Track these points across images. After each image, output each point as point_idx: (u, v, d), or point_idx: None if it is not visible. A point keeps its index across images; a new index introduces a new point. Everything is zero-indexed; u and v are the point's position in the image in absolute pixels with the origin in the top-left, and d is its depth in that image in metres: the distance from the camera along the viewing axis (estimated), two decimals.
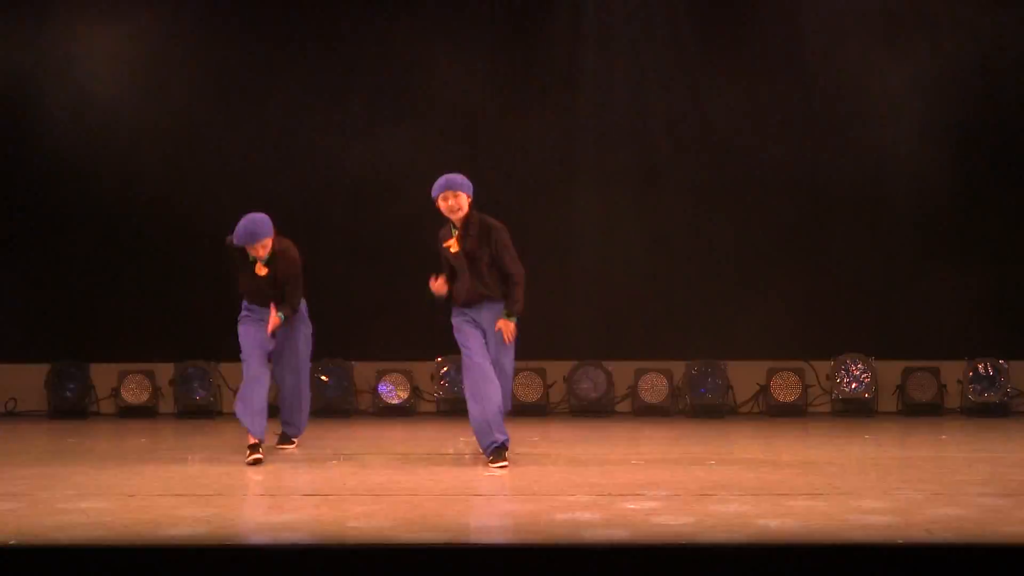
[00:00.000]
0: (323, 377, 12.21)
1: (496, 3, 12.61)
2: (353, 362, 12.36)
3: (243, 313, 9.92)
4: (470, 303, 9.28)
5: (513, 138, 12.59)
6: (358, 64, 12.63)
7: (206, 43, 12.66)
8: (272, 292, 9.81)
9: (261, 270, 9.82)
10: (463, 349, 9.26)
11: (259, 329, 9.79)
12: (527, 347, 12.33)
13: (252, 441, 9.47)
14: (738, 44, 12.59)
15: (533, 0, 12.69)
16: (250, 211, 9.78)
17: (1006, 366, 12.14)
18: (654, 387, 12.23)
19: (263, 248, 9.71)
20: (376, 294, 12.33)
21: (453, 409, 12.19)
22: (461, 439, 10.66)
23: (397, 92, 12.61)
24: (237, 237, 9.68)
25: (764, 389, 12.29)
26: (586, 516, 7.47)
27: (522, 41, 12.66)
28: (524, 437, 11.05)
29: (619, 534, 7.00)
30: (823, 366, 12.34)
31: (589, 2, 12.57)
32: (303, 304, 9.98)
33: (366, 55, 12.63)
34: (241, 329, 9.87)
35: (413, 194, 12.53)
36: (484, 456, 9.19)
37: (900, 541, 6.75)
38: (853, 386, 12.23)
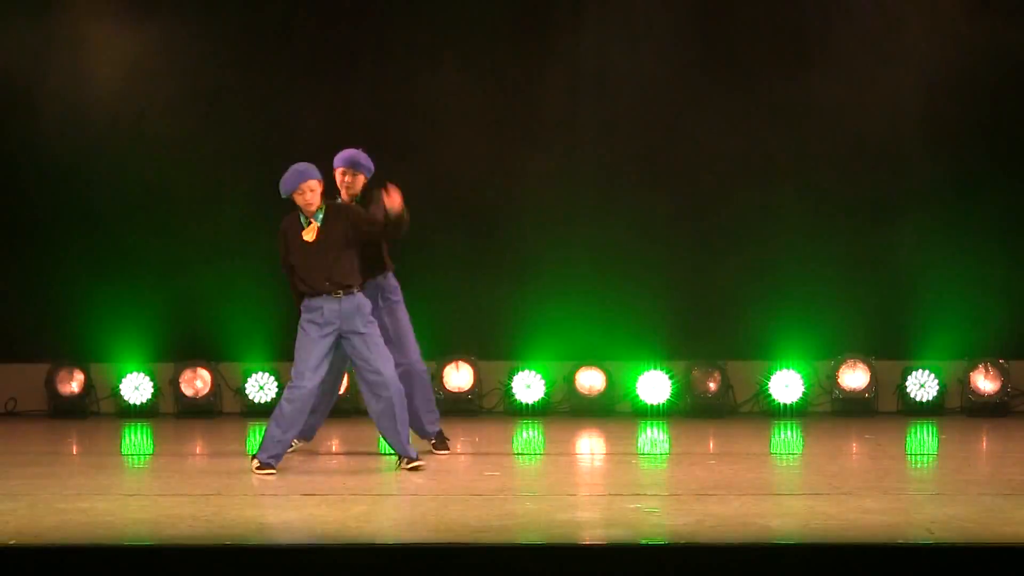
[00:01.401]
0: None
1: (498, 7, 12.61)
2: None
3: (304, 317, 8.89)
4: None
5: (515, 139, 12.57)
6: (359, 70, 12.61)
7: (207, 44, 12.63)
8: (330, 262, 8.84)
9: (310, 233, 8.92)
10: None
11: (321, 344, 8.84)
12: (528, 347, 12.39)
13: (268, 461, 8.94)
14: (738, 44, 12.58)
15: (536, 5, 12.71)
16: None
17: (1007, 365, 12.13)
18: (654, 386, 12.22)
19: (311, 193, 8.87)
20: None
21: (452, 409, 12.19)
22: (461, 439, 10.67)
23: (397, 99, 12.58)
24: (284, 184, 8.93)
25: (764, 388, 12.28)
26: (586, 516, 7.48)
27: (524, 38, 12.65)
28: (524, 437, 11.06)
29: (619, 534, 7.01)
30: (824, 365, 12.32)
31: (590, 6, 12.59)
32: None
33: (365, 63, 12.61)
34: (301, 340, 8.87)
35: (412, 193, 12.57)
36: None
37: (901, 541, 6.75)
38: (853, 385, 12.22)
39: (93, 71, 12.57)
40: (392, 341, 9.40)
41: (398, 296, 9.60)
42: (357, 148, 9.59)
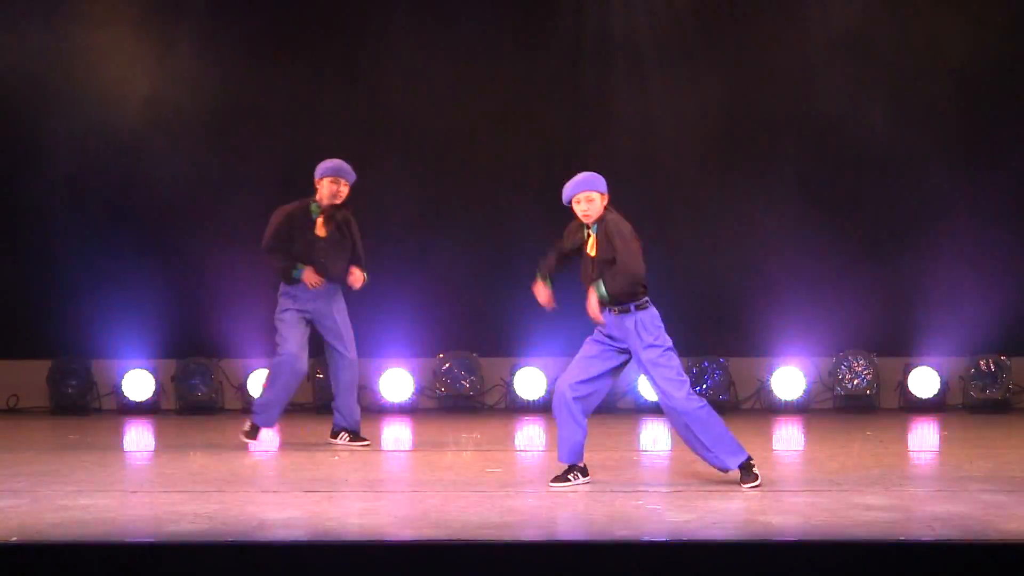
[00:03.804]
0: (319, 375, 12.17)
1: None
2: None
3: (283, 303, 9.79)
4: None
5: (517, 139, 12.58)
6: (361, 77, 12.61)
7: (216, 48, 12.62)
8: (333, 256, 9.77)
9: (321, 229, 9.70)
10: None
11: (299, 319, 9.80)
12: (528, 345, 12.38)
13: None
14: (741, 39, 12.58)
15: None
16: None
17: (1008, 362, 12.13)
18: None
19: (345, 187, 9.70)
20: (377, 292, 12.32)
21: (455, 406, 12.20)
22: (463, 435, 10.67)
23: (398, 94, 12.59)
24: (324, 168, 9.69)
25: (766, 385, 12.28)
26: (588, 513, 7.47)
27: (525, 42, 12.66)
28: (526, 434, 11.07)
29: (621, 531, 7.01)
30: (825, 362, 12.33)
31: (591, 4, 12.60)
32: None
33: (367, 70, 12.61)
34: (284, 316, 9.78)
35: (412, 193, 12.58)
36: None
37: (902, 538, 6.75)
38: (855, 382, 12.23)
39: (98, 74, 12.57)
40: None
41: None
42: (337, 159, 9.85)
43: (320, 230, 9.78)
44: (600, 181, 8.32)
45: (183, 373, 12.34)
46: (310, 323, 9.88)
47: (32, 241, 12.65)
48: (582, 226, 8.37)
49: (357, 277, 9.82)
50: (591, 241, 8.29)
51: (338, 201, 9.78)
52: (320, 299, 9.83)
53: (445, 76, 12.59)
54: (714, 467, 8.18)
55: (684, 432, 8.16)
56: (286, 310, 9.79)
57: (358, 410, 10.01)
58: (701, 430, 8.09)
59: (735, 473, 8.12)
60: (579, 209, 8.28)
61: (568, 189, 8.33)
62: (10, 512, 7.36)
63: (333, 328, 9.87)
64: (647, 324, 8.15)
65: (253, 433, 9.93)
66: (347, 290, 9.97)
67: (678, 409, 8.08)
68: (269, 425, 10.00)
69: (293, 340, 9.75)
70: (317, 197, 9.81)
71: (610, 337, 8.24)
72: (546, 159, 12.57)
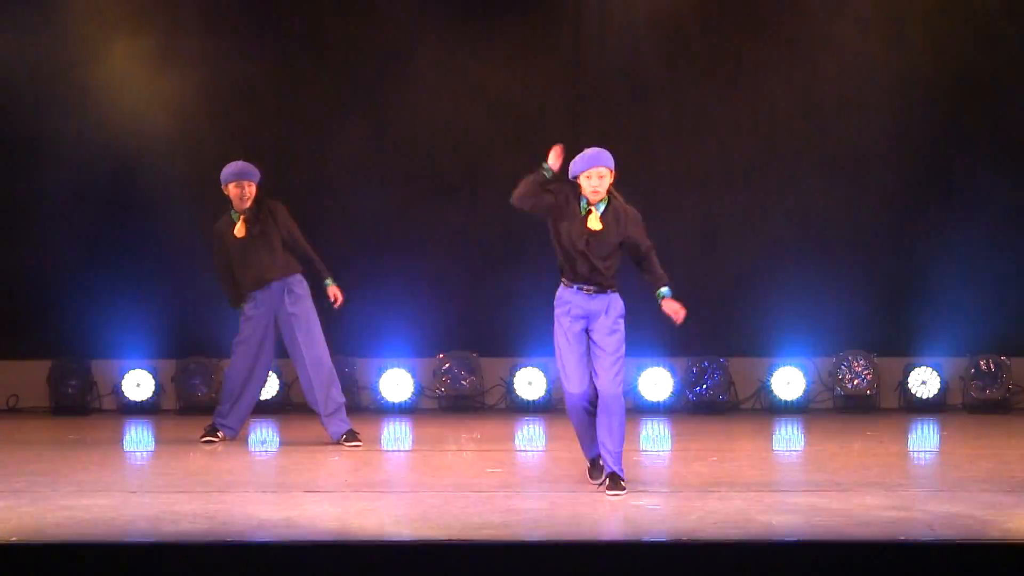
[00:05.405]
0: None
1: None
2: (355, 358, 12.34)
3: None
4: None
5: (518, 139, 12.57)
6: (363, 71, 12.61)
7: (207, 37, 12.62)
8: (264, 254, 9.84)
9: (240, 230, 9.82)
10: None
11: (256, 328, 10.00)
12: (528, 345, 12.38)
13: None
14: (739, 43, 12.57)
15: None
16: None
17: (1008, 362, 12.12)
18: (656, 383, 12.22)
19: (249, 188, 9.79)
20: (378, 292, 12.33)
21: (455, 406, 12.19)
22: (463, 436, 10.67)
23: (400, 97, 12.59)
24: (225, 175, 9.80)
25: (766, 385, 12.28)
26: (588, 513, 7.48)
27: (530, 36, 12.66)
28: (526, 434, 11.07)
29: (621, 531, 7.01)
30: (825, 362, 12.33)
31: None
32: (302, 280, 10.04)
33: (371, 65, 12.62)
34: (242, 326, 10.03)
35: (413, 193, 12.58)
36: None
37: (902, 538, 6.75)
38: (855, 382, 12.22)
39: (98, 73, 12.56)
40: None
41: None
42: (238, 160, 9.99)
43: (239, 231, 9.86)
44: (612, 157, 8.09)
45: (183, 373, 12.33)
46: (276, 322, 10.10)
47: (32, 241, 12.63)
48: (578, 197, 8.13)
49: (333, 294, 10.00)
50: (592, 217, 8.10)
51: (247, 204, 9.90)
52: (267, 303, 9.97)
53: (446, 79, 12.58)
54: (606, 453, 8.03)
55: (599, 415, 8.02)
56: (245, 319, 10.12)
57: (331, 404, 9.98)
58: (618, 420, 7.98)
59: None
60: (590, 184, 8.01)
61: (583, 162, 8.02)
62: (10, 512, 7.36)
63: (288, 332, 10.03)
64: (617, 306, 8.20)
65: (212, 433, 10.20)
66: (321, 291, 10.08)
67: (603, 392, 7.97)
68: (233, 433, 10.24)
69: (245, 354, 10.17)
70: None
71: (582, 317, 8.10)
72: (546, 153, 12.55)
